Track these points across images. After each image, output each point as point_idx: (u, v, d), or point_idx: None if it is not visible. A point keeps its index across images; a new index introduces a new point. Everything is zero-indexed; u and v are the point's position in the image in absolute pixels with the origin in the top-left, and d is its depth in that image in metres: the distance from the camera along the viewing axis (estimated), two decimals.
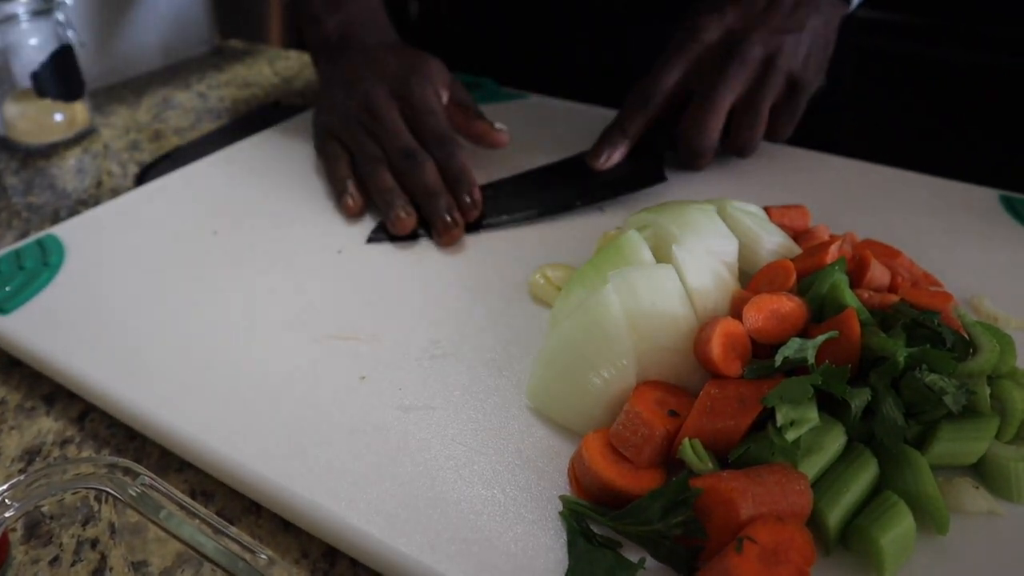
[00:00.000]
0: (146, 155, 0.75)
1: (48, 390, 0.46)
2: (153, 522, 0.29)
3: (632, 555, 0.32)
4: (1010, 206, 0.57)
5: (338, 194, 0.59)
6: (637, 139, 0.61)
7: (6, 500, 0.30)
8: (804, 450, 0.33)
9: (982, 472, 0.36)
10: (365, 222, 0.58)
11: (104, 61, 0.90)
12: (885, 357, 0.35)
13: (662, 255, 0.43)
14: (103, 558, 0.36)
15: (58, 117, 0.76)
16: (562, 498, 0.35)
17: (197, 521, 0.29)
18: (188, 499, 0.30)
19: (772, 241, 0.45)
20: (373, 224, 0.57)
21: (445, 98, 0.63)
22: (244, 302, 0.49)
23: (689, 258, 0.41)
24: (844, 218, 0.55)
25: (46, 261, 0.53)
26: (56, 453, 0.42)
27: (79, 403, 0.45)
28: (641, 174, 0.60)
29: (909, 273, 0.46)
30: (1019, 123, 1.15)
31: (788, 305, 0.38)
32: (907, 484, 0.33)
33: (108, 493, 0.30)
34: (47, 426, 0.44)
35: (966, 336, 0.37)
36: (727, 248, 0.44)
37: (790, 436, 0.32)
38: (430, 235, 0.55)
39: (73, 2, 0.80)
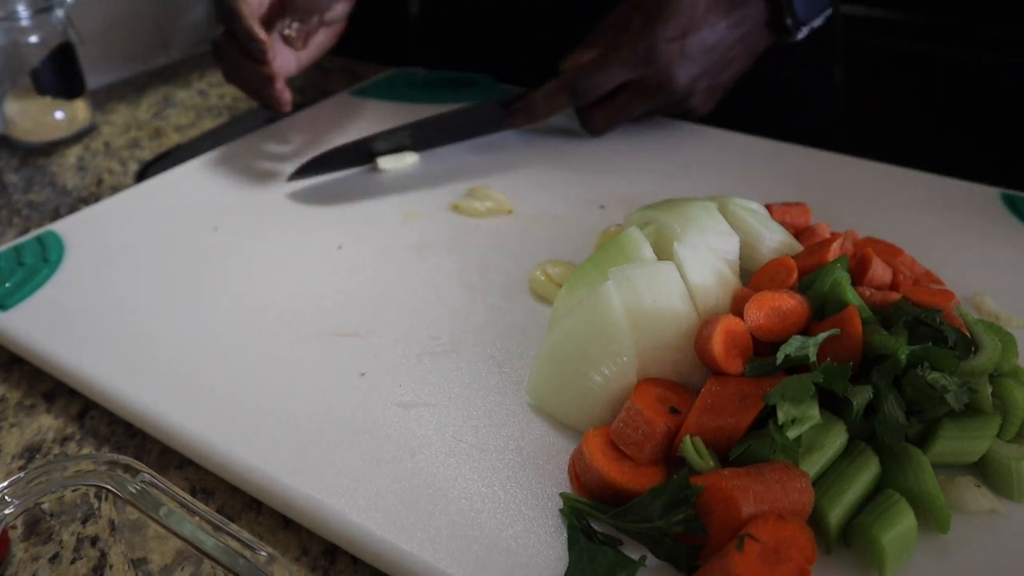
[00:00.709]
0: (146, 153, 0.75)
1: (48, 387, 0.46)
2: (153, 519, 0.29)
3: (633, 553, 0.32)
4: (1012, 204, 0.57)
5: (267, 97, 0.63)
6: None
7: (6, 497, 0.30)
8: (805, 448, 0.33)
9: (983, 471, 0.36)
10: (365, 220, 0.57)
11: (104, 59, 0.90)
12: (887, 355, 0.35)
13: (663, 252, 0.43)
14: (103, 555, 0.36)
15: (58, 115, 0.76)
16: (562, 495, 0.35)
17: (197, 518, 0.29)
18: (188, 496, 0.30)
19: (774, 239, 0.45)
20: (373, 223, 0.57)
21: None
22: (244, 299, 0.49)
23: (690, 255, 0.41)
24: (845, 216, 0.55)
25: (46, 258, 0.52)
26: (56, 450, 0.42)
27: (79, 400, 0.45)
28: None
29: (911, 271, 0.46)
30: (1021, 121, 1.15)
31: (789, 303, 0.38)
32: (908, 482, 0.33)
33: (108, 490, 0.30)
34: (47, 423, 0.44)
35: (968, 334, 0.37)
36: (728, 245, 0.44)
37: (791, 434, 0.32)
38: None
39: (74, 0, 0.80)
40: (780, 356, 0.35)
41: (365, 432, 0.39)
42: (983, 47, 1.19)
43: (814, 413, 0.33)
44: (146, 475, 0.30)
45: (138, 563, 0.33)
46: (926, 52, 1.23)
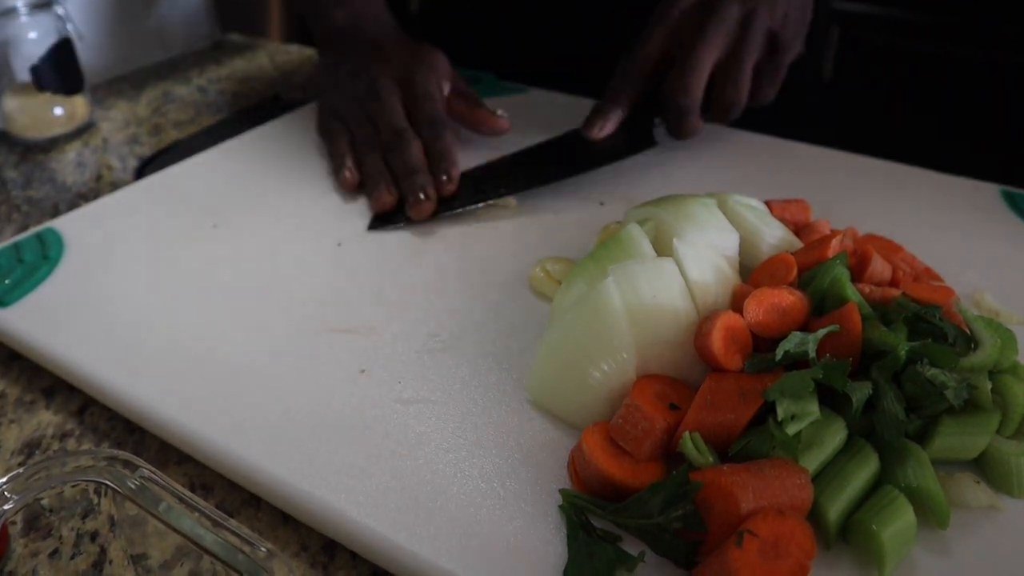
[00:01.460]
0: (146, 149, 0.75)
1: (48, 383, 0.46)
2: (152, 515, 0.29)
3: (632, 548, 0.32)
4: (1011, 201, 0.57)
5: (336, 168, 0.61)
6: (628, 109, 0.62)
7: (6, 493, 0.30)
8: (805, 444, 0.33)
9: (983, 467, 0.36)
10: (366, 216, 0.57)
11: (104, 55, 0.90)
12: (886, 351, 0.35)
13: (663, 248, 0.43)
14: (103, 551, 0.36)
15: (57, 111, 0.76)
16: (562, 491, 0.35)
17: (196, 514, 0.29)
18: (187, 492, 0.30)
19: (773, 235, 0.45)
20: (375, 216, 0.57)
21: (447, 88, 0.65)
22: (243, 295, 0.49)
23: (690, 252, 0.41)
24: (845, 213, 0.55)
25: (45, 254, 0.52)
26: (56, 446, 0.42)
27: (79, 396, 0.45)
28: (631, 140, 0.61)
29: (910, 268, 0.46)
30: (1022, 118, 1.15)
31: (789, 299, 0.38)
32: (908, 478, 0.33)
33: (107, 486, 0.30)
34: (47, 419, 0.44)
35: (967, 331, 0.37)
36: (728, 242, 0.44)
37: (791, 430, 0.32)
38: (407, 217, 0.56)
39: None
40: (779, 352, 0.35)
41: (365, 428, 0.39)
42: (986, 45, 1.19)
43: (813, 409, 0.33)
44: (145, 471, 0.30)
45: (137, 559, 0.33)
46: (928, 50, 1.23)
